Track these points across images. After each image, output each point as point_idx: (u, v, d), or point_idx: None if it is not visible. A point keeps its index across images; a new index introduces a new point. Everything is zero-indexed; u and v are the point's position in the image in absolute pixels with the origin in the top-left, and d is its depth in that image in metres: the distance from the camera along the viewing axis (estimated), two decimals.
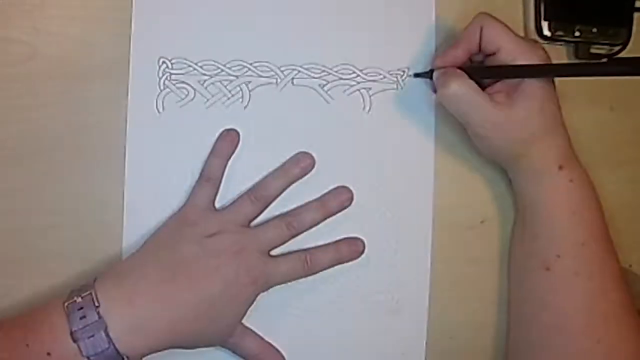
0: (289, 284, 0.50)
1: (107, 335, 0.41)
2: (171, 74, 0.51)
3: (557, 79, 0.50)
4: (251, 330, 0.50)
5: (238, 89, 0.52)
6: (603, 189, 0.55)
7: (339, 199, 0.51)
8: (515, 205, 0.54)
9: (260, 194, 0.50)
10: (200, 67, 0.51)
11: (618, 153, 0.56)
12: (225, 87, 0.52)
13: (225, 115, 0.52)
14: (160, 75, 0.51)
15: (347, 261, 0.51)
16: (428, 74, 0.52)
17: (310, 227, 0.50)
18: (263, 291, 0.48)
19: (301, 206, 0.51)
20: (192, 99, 0.51)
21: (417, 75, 0.53)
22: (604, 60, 0.48)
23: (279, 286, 0.50)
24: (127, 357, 0.42)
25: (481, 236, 0.55)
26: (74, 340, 0.41)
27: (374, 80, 0.53)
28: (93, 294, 0.43)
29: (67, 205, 0.50)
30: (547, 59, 0.49)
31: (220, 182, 0.50)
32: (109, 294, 0.43)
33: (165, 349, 0.45)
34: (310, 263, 0.49)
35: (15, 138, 0.50)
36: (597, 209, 0.50)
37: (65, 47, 0.50)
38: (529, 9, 0.55)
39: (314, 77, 0.53)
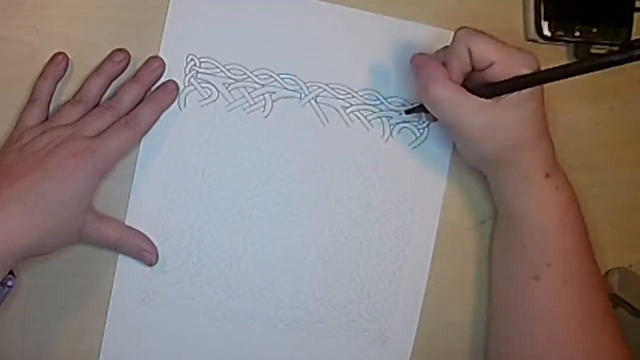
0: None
1: None
2: (198, 72, 0.51)
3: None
4: (107, 217, 0.50)
5: (261, 97, 0.52)
6: (603, 189, 0.56)
7: (150, 69, 0.50)
8: (498, 213, 0.53)
9: (79, 96, 0.49)
10: (228, 70, 0.52)
11: (618, 153, 0.56)
12: (249, 93, 0.52)
13: (245, 121, 0.52)
14: (187, 72, 0.51)
15: (168, 105, 0.50)
16: (421, 108, 0.51)
17: (132, 105, 0.49)
18: (103, 171, 0.47)
19: (119, 89, 0.50)
20: (215, 100, 0.52)
21: (408, 112, 0.53)
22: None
23: (267, 291, 0.50)
24: None
25: (481, 236, 0.55)
26: None
27: (396, 110, 0.54)
28: None
29: None
30: (536, 63, 0.46)
31: (49, 104, 0.49)
32: None
33: (21, 258, 0.44)
34: (132, 121, 0.48)
35: None
36: (580, 215, 0.49)
37: (65, 47, 0.50)
38: (529, 9, 0.55)
39: (338, 98, 0.53)
